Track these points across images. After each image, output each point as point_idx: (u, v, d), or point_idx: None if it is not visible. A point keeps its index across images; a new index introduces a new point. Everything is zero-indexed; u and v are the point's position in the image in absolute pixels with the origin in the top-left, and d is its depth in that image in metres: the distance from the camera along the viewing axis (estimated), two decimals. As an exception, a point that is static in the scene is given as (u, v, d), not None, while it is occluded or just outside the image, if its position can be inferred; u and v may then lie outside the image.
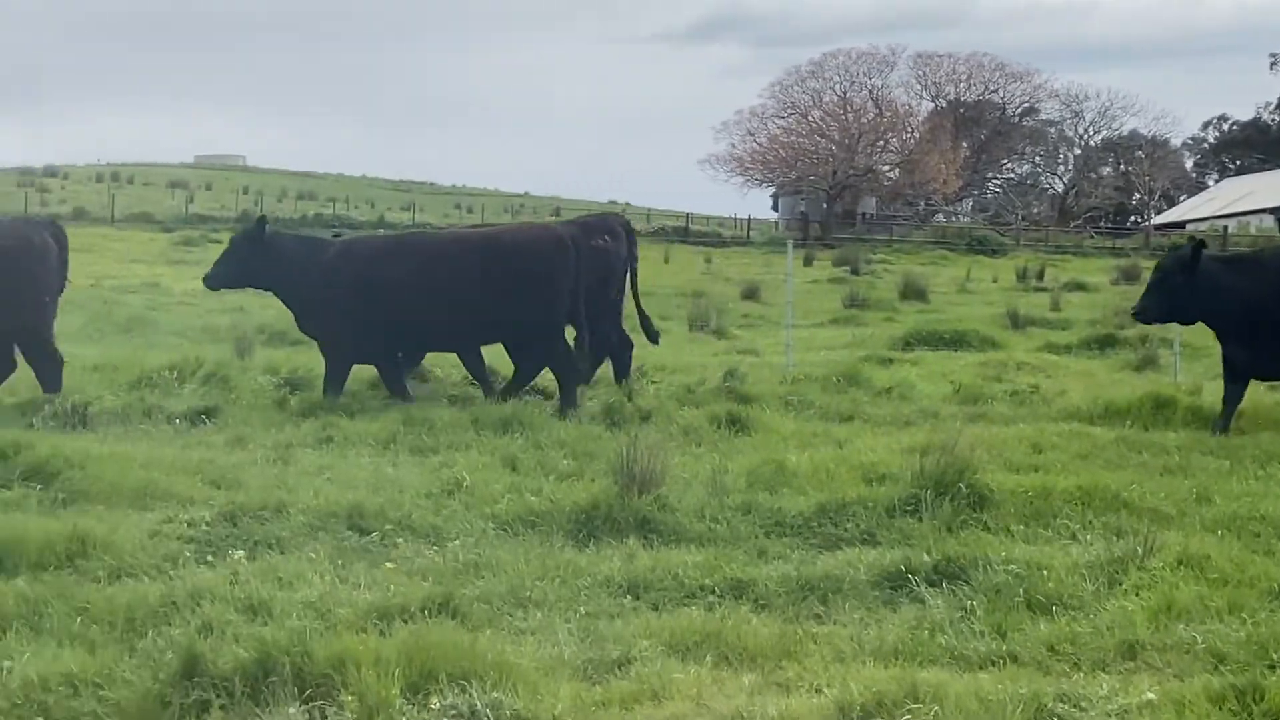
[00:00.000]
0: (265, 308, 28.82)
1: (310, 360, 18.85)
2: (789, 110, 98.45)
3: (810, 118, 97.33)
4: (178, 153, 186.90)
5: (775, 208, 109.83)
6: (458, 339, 16.82)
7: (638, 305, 18.16)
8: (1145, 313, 16.32)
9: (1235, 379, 15.41)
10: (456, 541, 9.61)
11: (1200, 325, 16.19)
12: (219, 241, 55.64)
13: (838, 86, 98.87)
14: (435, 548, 9.51)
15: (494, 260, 16.07)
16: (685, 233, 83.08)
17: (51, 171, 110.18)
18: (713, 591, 8.69)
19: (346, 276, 16.08)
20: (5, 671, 6.96)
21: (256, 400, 15.64)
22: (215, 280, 16.98)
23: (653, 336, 18.24)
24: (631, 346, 17.96)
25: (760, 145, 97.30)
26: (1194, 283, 15.57)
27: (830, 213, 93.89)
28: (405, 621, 7.65)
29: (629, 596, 8.60)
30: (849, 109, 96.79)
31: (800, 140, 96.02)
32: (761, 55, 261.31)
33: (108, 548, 9.01)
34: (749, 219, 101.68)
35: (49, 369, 14.98)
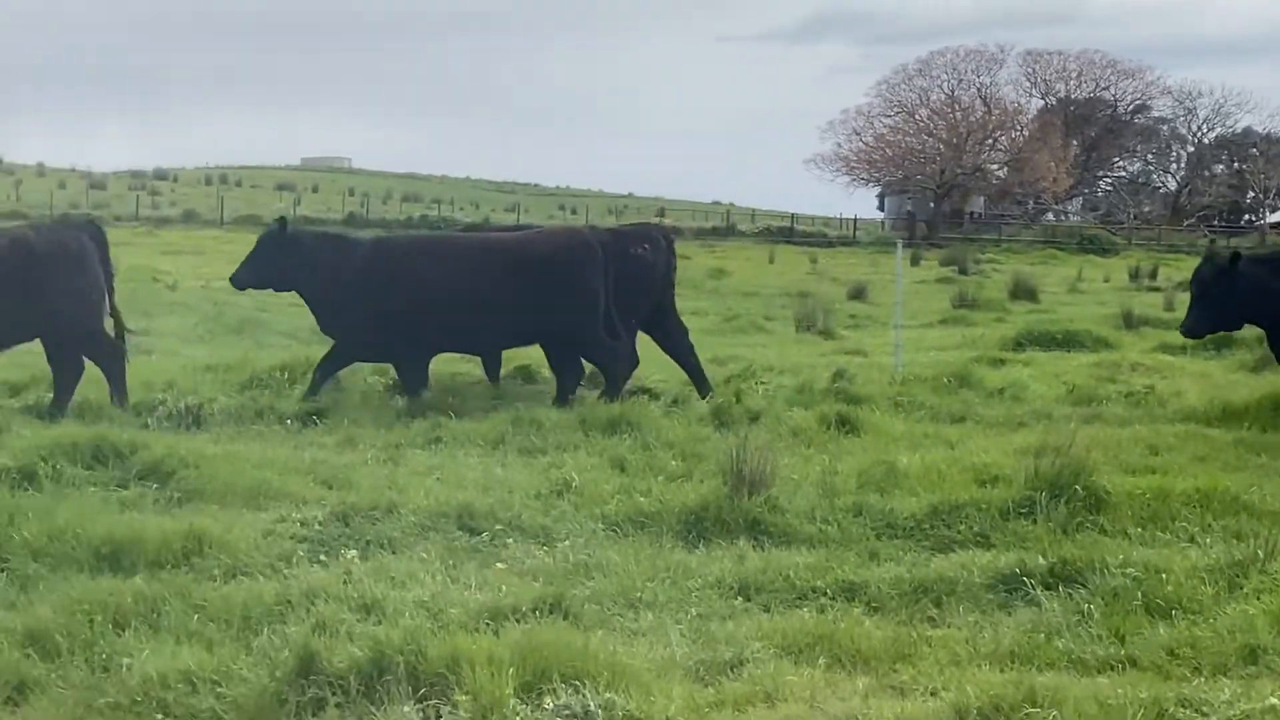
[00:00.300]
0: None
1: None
2: (896, 109, 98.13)
3: (917, 116, 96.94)
4: (285, 155, 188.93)
5: (881, 207, 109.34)
6: (483, 341, 16.79)
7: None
8: (1194, 329, 16.64)
9: None
10: (566, 542, 9.61)
11: None
12: (327, 243, 56.44)
13: (945, 85, 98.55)
14: (545, 548, 9.51)
15: (522, 263, 16.07)
16: (790, 233, 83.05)
17: (161, 174, 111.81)
18: (824, 593, 8.63)
19: (373, 276, 16.01)
20: (125, 668, 7.03)
21: (365, 401, 15.74)
22: (241, 280, 16.83)
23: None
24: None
25: (866, 144, 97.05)
26: (1235, 288, 15.69)
27: (937, 212, 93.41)
28: (517, 622, 7.66)
29: (740, 598, 8.56)
30: (957, 107, 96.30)
31: (907, 139, 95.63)
32: (869, 53, 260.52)
33: (223, 546, 9.09)
34: (855, 219, 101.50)
35: (111, 365, 15.05)
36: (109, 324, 15.34)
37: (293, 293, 17.24)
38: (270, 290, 18.00)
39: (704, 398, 16.38)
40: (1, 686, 6.88)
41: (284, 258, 16.21)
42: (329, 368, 15.95)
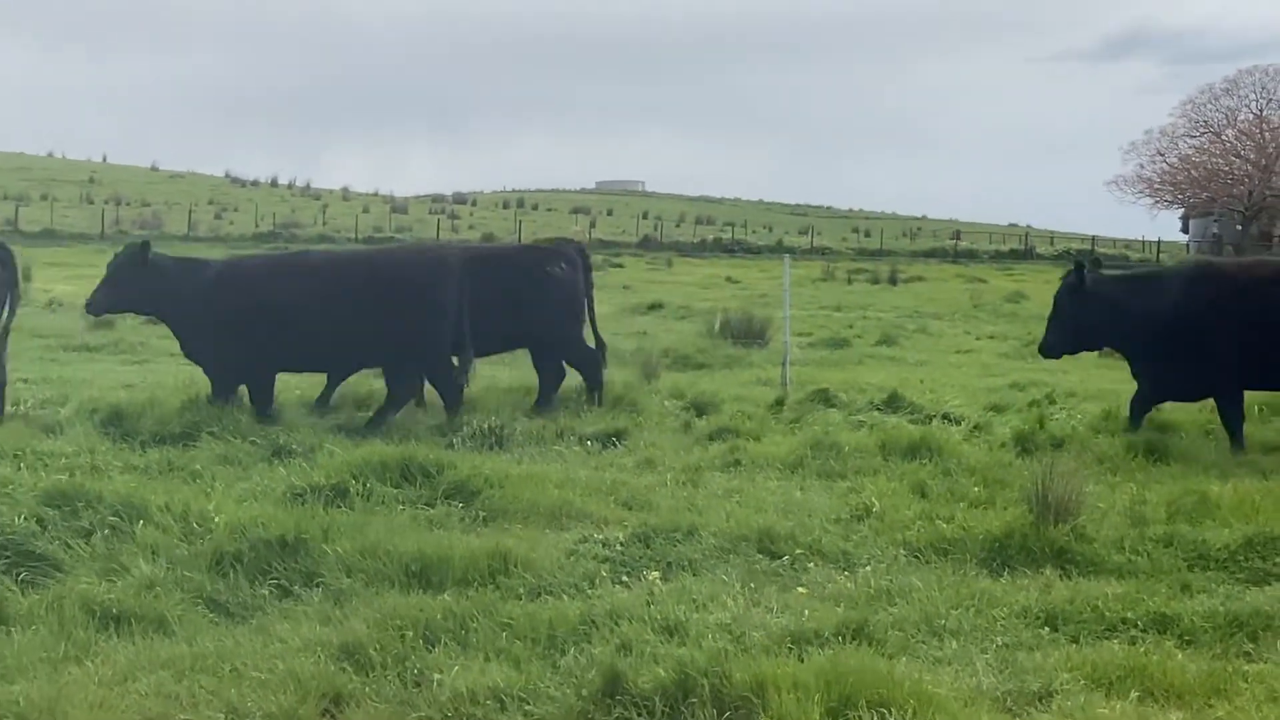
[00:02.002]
0: (668, 332, 29.37)
1: (714, 385, 19.09)
2: (1201, 129, 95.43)
3: (1224, 137, 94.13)
4: (580, 180, 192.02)
5: (1185, 230, 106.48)
6: (332, 360, 16.42)
7: (595, 334, 17.86)
8: (1048, 348, 16.30)
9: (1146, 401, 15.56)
10: (868, 567, 9.54)
11: None
12: (620, 266, 57.27)
13: (1254, 104, 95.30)
14: (846, 573, 9.44)
15: (370, 282, 15.82)
16: (1091, 255, 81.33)
17: (461, 199, 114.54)
18: (1134, 625, 8.41)
19: (222, 298, 15.73)
20: (436, 683, 7.19)
21: (663, 423, 15.86)
22: (96, 306, 16.48)
23: (599, 366, 17.67)
24: (599, 361, 17.64)
25: (1170, 166, 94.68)
26: (1088, 307, 15.50)
27: (1245, 234, 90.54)
28: (820, 647, 7.63)
29: (1046, 628, 8.38)
30: (1265, 127, 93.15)
31: (1213, 160, 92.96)
32: (1174, 73, 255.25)
33: (528, 565, 9.24)
34: (1158, 241, 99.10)
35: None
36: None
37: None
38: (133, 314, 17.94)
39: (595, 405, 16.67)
40: (319, 699, 7.07)
41: (143, 281, 15.96)
42: (219, 399, 15.46)
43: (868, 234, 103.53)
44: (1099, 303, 15.54)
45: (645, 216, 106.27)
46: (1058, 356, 16.76)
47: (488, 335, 16.58)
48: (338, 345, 15.81)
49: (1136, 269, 17.31)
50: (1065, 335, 15.99)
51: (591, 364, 17.49)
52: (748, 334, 27.00)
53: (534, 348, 17.68)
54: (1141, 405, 15.53)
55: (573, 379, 17.66)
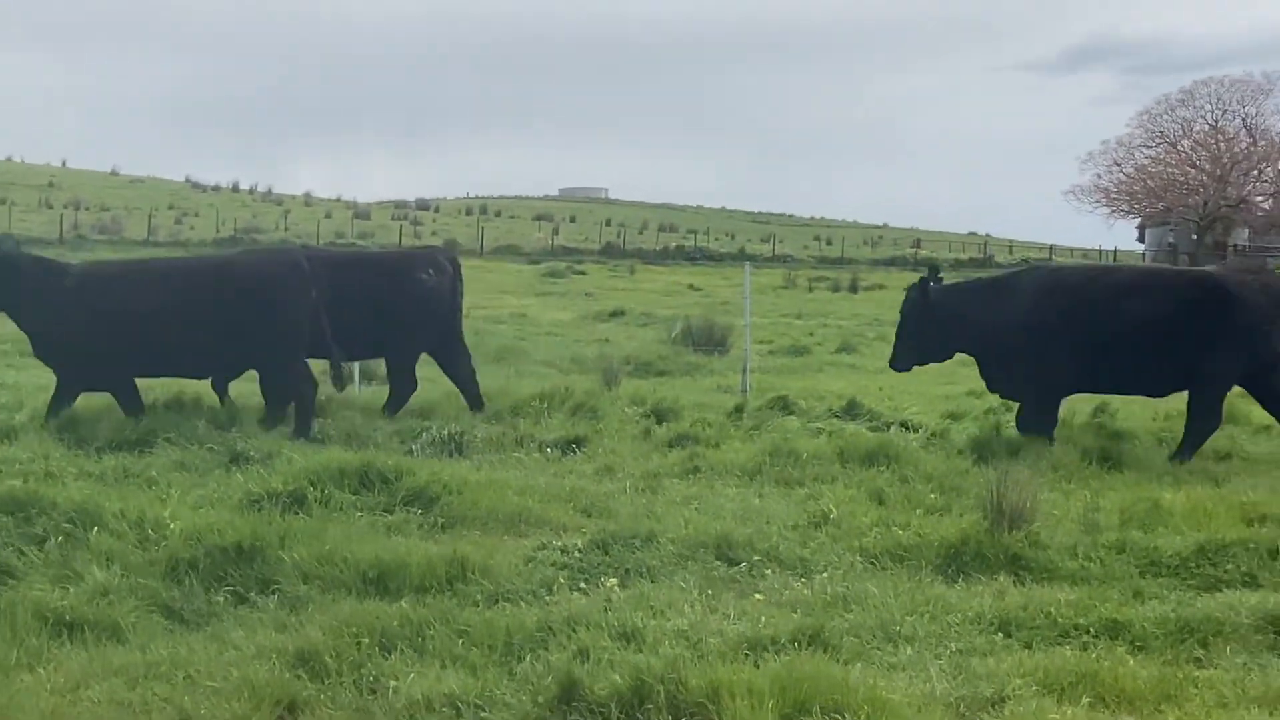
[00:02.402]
0: (629, 339, 29.40)
1: (675, 392, 19.11)
2: (1157, 140, 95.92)
3: (1180, 147, 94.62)
4: (543, 187, 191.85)
5: (1141, 239, 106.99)
6: (188, 366, 16.14)
7: (461, 344, 17.89)
8: (896, 361, 16.78)
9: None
10: (824, 574, 9.57)
11: None
12: (583, 273, 57.24)
13: (1209, 115, 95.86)
14: (803, 580, 9.48)
15: (223, 286, 15.73)
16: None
17: (424, 205, 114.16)
18: (1087, 631, 8.46)
19: (78, 303, 15.54)
20: (392, 690, 7.20)
21: (623, 429, 15.86)
22: None
23: (472, 376, 17.65)
24: (472, 372, 17.66)
25: (1127, 175, 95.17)
26: (933, 318, 15.98)
27: (1200, 244, 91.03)
28: (776, 653, 7.66)
29: (1000, 634, 8.43)
30: (1221, 138, 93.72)
31: (1169, 170, 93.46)
32: (1131, 84, 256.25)
33: (486, 572, 9.24)
34: (1114, 251, 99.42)
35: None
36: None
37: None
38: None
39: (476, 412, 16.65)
40: (273, 706, 7.06)
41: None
42: (58, 406, 15.42)
43: (829, 242, 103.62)
44: (943, 314, 15.97)
45: (608, 224, 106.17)
46: (907, 369, 17.12)
47: (354, 340, 16.60)
48: (191, 350, 15.68)
49: (980, 278, 17.51)
50: (912, 348, 16.47)
51: (465, 374, 17.50)
52: (709, 341, 27.05)
53: (397, 354, 17.50)
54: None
55: (531, 386, 17.64)
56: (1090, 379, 15.71)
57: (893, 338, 17.08)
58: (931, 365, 17.11)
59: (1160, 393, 15.97)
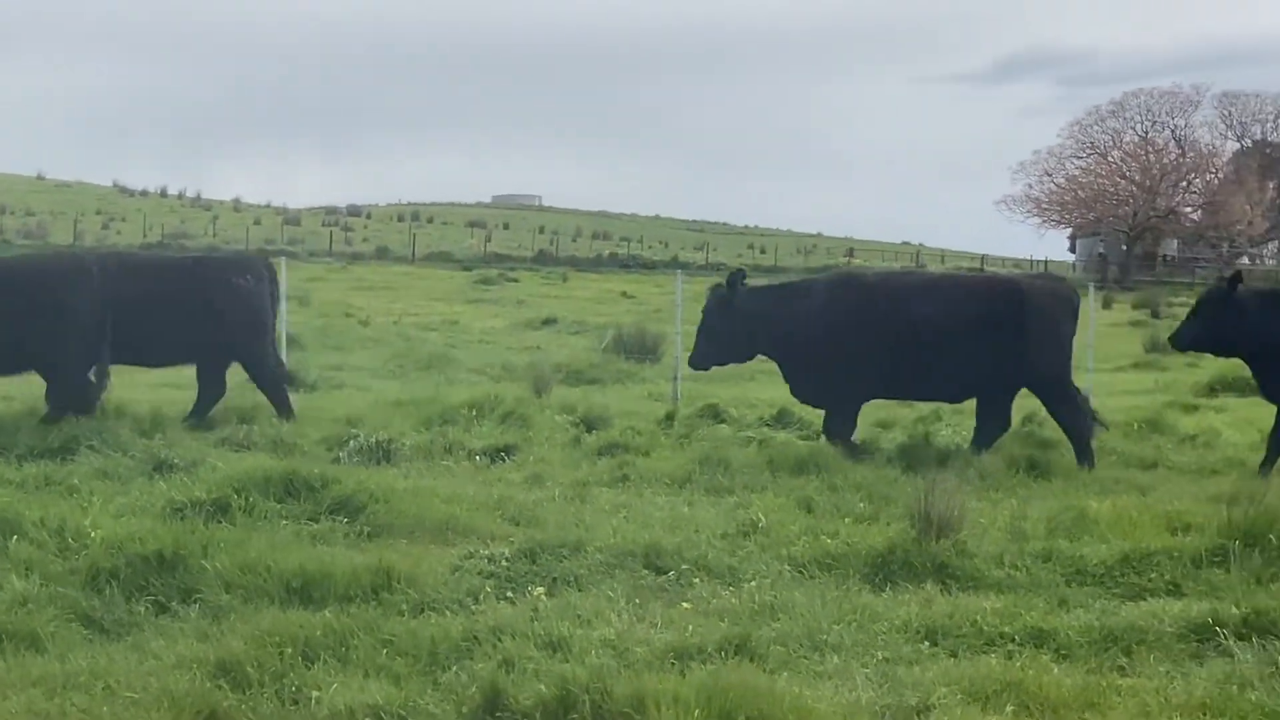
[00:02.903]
0: (561, 346, 29.36)
1: (606, 400, 19.09)
2: (1088, 150, 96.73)
3: (1110, 158, 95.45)
4: (476, 193, 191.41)
5: (1072, 249, 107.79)
6: None
7: (275, 353, 17.86)
8: (697, 360, 17.00)
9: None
10: (752, 583, 9.55)
11: None
12: (516, 280, 57.11)
13: (1139, 126, 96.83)
14: (731, 588, 9.45)
15: (6, 288, 15.80)
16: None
17: (355, 211, 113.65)
18: (1012, 639, 8.48)
19: None
20: (314, 701, 7.13)
21: (553, 438, 15.83)
22: None
23: (283, 384, 17.54)
24: (284, 379, 17.54)
25: (1058, 186, 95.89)
26: (736, 319, 16.23)
27: (1130, 255, 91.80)
28: (703, 662, 7.63)
29: (926, 642, 8.43)
30: (1150, 149, 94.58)
31: (1099, 181, 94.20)
32: (1063, 95, 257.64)
33: (412, 581, 9.17)
34: (1045, 261, 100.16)
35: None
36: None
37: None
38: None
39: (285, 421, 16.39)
40: (194, 717, 6.97)
41: None
42: None
43: (763, 250, 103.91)
44: (744, 315, 16.13)
45: (541, 231, 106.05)
46: (706, 368, 17.35)
47: (161, 345, 16.49)
48: None
49: (784, 282, 17.73)
50: (712, 347, 16.61)
51: (276, 382, 17.29)
52: (640, 349, 27.08)
53: (207, 360, 17.17)
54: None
55: (461, 394, 17.57)
56: (887, 383, 15.94)
57: None
58: None
59: (958, 398, 16.35)
